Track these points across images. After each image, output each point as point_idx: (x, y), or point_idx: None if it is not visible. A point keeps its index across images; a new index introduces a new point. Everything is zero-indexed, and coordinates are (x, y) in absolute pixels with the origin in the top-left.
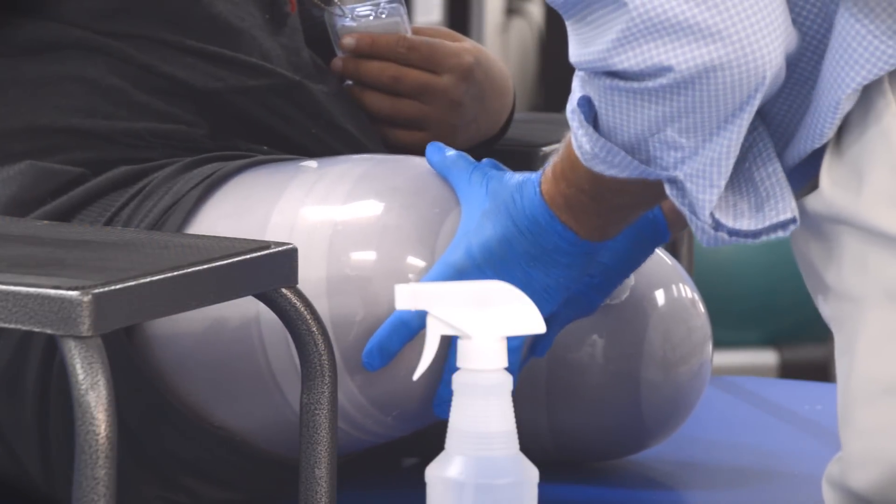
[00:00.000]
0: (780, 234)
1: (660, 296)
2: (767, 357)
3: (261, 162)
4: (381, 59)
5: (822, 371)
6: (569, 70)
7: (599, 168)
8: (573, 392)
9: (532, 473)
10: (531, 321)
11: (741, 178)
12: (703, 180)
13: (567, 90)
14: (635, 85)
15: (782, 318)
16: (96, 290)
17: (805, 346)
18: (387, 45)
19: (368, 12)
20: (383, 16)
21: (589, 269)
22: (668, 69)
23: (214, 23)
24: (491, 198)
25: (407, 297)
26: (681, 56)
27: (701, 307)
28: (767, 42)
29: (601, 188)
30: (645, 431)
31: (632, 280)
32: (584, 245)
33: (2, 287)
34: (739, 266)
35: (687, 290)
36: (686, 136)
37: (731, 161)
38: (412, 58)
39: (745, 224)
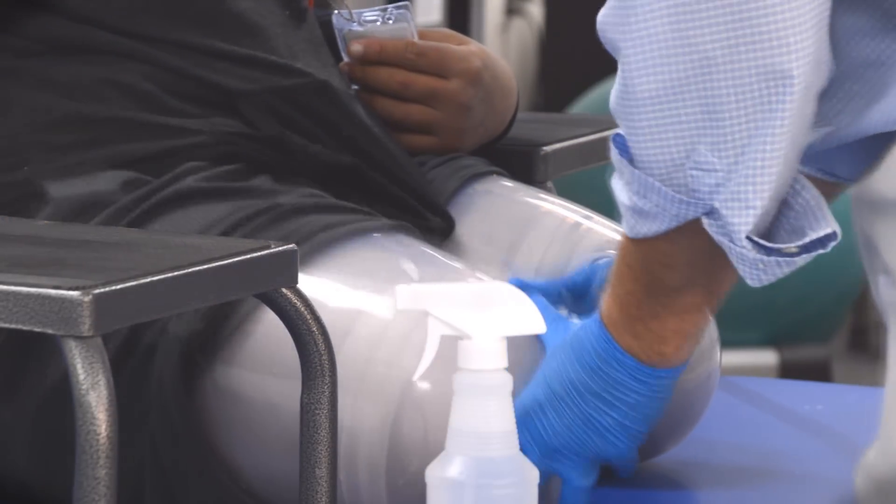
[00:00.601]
0: (821, 250)
1: None
2: (767, 357)
3: (355, 231)
4: (390, 64)
5: (822, 371)
6: (568, 70)
7: (641, 228)
8: None
9: (532, 473)
10: (531, 321)
11: (777, 208)
12: (738, 203)
13: (567, 90)
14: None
15: (782, 318)
16: (97, 290)
17: (805, 346)
18: (395, 50)
19: (376, 17)
20: (390, 21)
21: (659, 410)
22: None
23: (238, 21)
24: (562, 338)
25: (407, 297)
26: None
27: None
28: (789, 39)
29: (649, 267)
30: (654, 438)
31: None
32: (648, 374)
33: (2, 287)
34: None
35: None
36: (718, 153)
37: (767, 181)
38: (421, 63)
39: (784, 242)
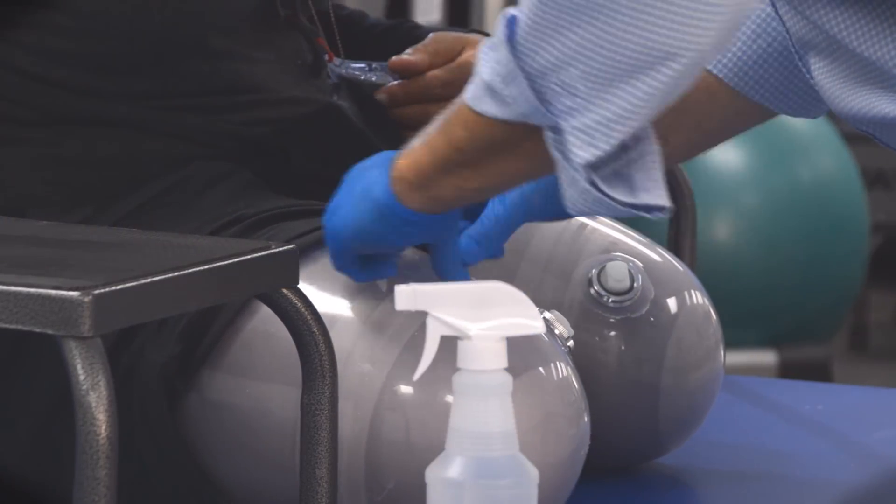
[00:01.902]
0: (649, 215)
1: (673, 303)
2: (767, 357)
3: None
4: (419, 101)
5: (822, 371)
6: None
7: (484, 106)
8: (588, 399)
9: (532, 473)
10: (531, 321)
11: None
12: (586, 137)
13: None
14: None
15: (782, 318)
16: (97, 291)
17: (805, 346)
18: (420, 90)
19: (362, 68)
20: (373, 78)
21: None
22: None
23: (258, 92)
24: None
25: (407, 298)
26: None
27: (713, 314)
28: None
29: (460, 134)
30: (659, 438)
31: (651, 293)
32: (387, 198)
33: (2, 287)
34: (739, 266)
35: (699, 297)
36: (587, 83)
37: (623, 130)
38: (449, 92)
39: (618, 194)
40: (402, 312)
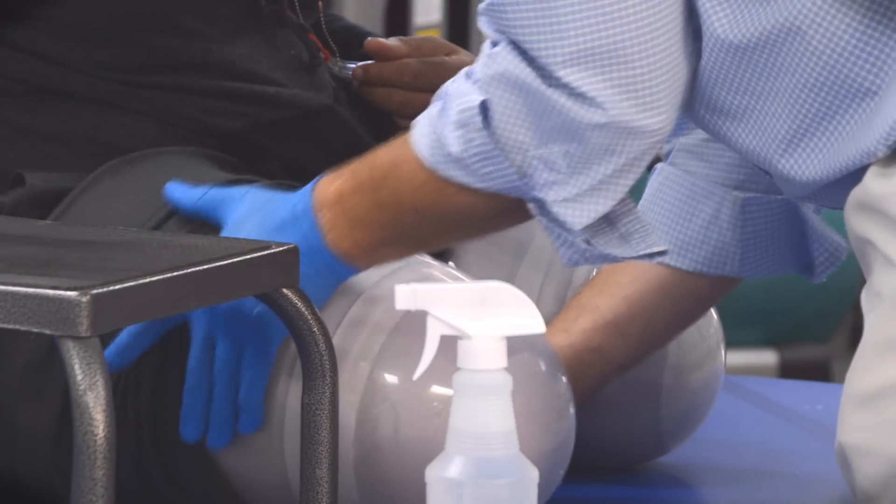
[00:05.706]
0: (651, 261)
1: None
2: (767, 357)
3: None
4: (388, 85)
5: (822, 371)
6: None
7: (456, 173)
8: (590, 400)
9: (532, 473)
10: (531, 321)
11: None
12: (576, 205)
13: None
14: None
15: (782, 318)
16: (95, 291)
17: (805, 346)
18: (390, 74)
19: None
20: None
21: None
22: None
23: (233, 77)
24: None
25: (407, 298)
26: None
27: (714, 314)
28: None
29: (420, 205)
30: (660, 438)
31: None
32: (325, 257)
33: (1, 287)
34: None
35: None
36: (567, 157)
37: (613, 195)
38: (419, 83)
39: (616, 251)
40: (379, 305)
